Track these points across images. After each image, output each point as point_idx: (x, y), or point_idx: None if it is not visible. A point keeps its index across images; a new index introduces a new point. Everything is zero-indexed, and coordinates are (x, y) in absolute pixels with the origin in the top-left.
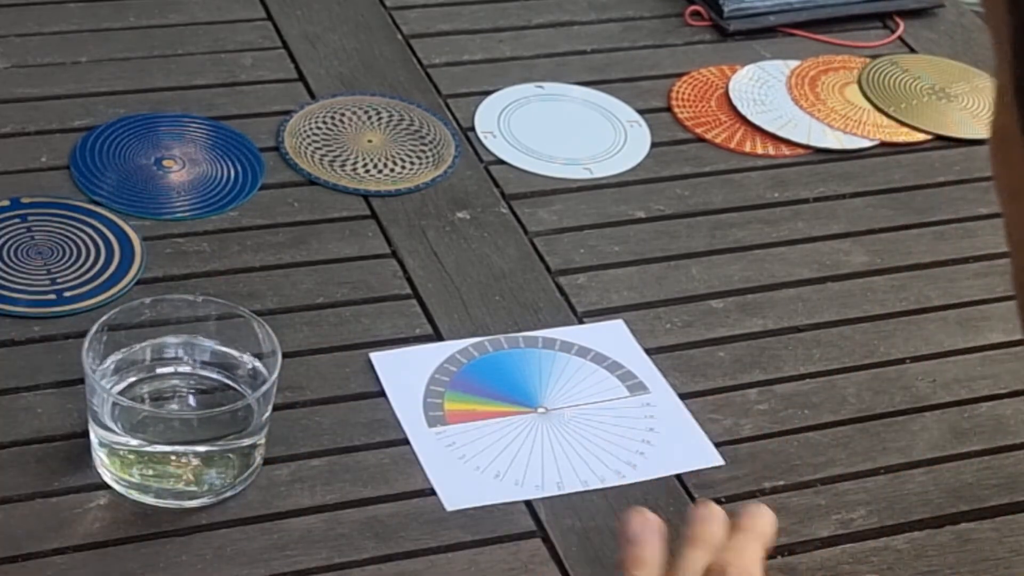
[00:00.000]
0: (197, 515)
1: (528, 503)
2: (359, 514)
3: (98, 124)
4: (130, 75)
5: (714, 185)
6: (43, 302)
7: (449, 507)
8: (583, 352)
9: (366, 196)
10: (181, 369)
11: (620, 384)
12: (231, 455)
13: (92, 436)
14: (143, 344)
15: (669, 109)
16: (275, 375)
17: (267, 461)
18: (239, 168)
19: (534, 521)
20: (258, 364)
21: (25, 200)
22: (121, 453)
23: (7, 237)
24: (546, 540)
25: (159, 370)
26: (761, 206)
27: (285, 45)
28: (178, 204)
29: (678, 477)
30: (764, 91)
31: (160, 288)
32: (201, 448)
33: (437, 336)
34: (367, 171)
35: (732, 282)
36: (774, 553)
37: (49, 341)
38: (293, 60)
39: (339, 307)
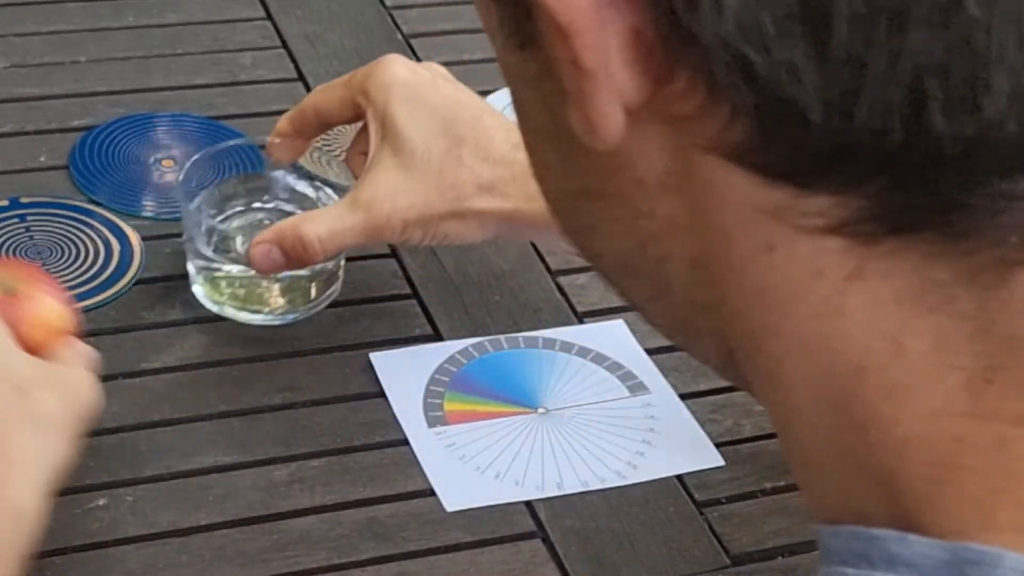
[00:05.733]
0: (196, 515)
1: (528, 504)
2: (359, 515)
3: (97, 124)
4: (129, 75)
5: None
6: None
7: (449, 508)
8: (583, 352)
9: None
10: (268, 206)
11: (621, 384)
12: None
13: (190, 265)
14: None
15: None
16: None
17: (266, 462)
18: (237, 169)
19: (534, 522)
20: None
21: (24, 200)
22: (215, 278)
23: (6, 237)
24: (546, 541)
25: (254, 205)
26: None
27: (284, 45)
28: (177, 204)
29: (679, 478)
30: None
31: (159, 289)
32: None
33: (437, 336)
34: None
35: None
36: (775, 554)
37: None
38: (293, 60)
39: (339, 307)
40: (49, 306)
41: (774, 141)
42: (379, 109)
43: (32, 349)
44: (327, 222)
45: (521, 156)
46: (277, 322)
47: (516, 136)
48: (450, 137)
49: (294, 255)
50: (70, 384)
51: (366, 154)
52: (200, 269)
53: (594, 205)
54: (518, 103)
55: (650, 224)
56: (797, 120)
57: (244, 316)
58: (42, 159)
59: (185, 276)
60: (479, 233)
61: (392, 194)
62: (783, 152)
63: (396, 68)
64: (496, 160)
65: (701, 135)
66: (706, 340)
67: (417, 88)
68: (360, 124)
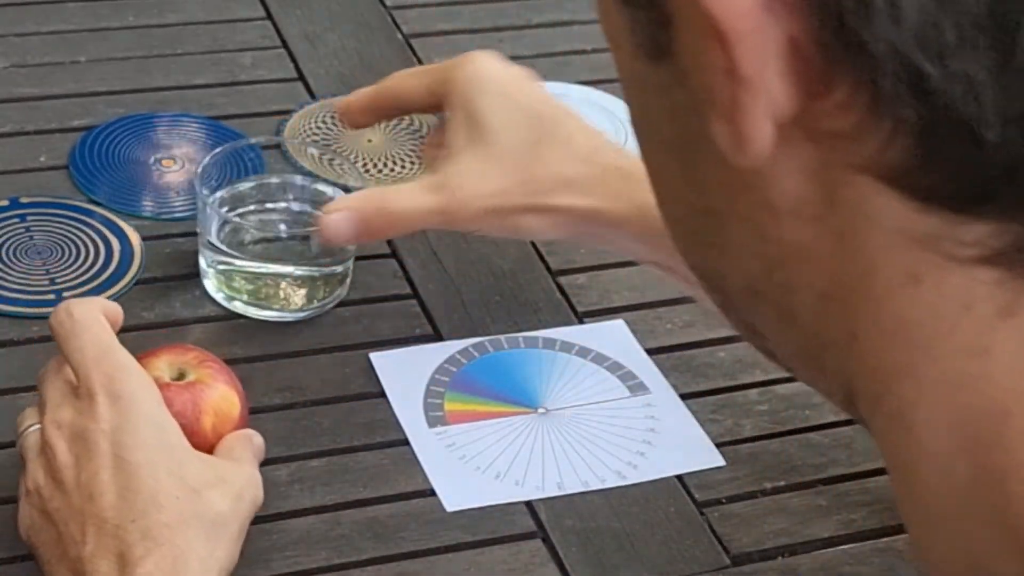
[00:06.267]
0: None
1: (528, 504)
2: (359, 515)
3: (97, 124)
4: (129, 75)
5: None
6: (42, 302)
7: (449, 508)
8: (584, 352)
9: None
10: (281, 206)
11: (621, 384)
12: (319, 280)
13: (202, 260)
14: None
15: None
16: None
17: (266, 462)
18: (239, 168)
19: (534, 522)
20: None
21: (24, 200)
22: (227, 272)
23: (6, 237)
24: (546, 541)
25: (267, 204)
26: None
27: (285, 44)
28: (177, 204)
29: (679, 477)
30: None
31: (159, 288)
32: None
33: (437, 336)
34: (367, 171)
35: None
36: (775, 554)
37: (48, 341)
38: (293, 60)
39: (339, 307)
40: (222, 394)
41: (938, 161)
42: (465, 99)
43: (203, 439)
44: (405, 199)
45: (603, 158)
46: (287, 318)
47: (598, 140)
48: (535, 132)
49: (375, 225)
50: (240, 484)
51: (441, 146)
52: (212, 263)
53: (718, 223)
54: (640, 114)
55: (777, 249)
56: (968, 139)
57: (253, 311)
58: (42, 159)
59: (185, 276)
60: (554, 231)
61: (473, 181)
62: (946, 174)
63: (485, 62)
64: (581, 159)
65: (854, 154)
66: (830, 376)
67: (505, 83)
68: (434, 119)
